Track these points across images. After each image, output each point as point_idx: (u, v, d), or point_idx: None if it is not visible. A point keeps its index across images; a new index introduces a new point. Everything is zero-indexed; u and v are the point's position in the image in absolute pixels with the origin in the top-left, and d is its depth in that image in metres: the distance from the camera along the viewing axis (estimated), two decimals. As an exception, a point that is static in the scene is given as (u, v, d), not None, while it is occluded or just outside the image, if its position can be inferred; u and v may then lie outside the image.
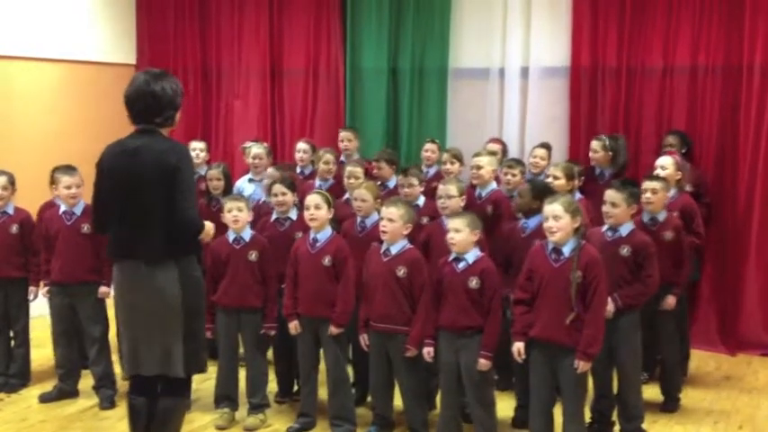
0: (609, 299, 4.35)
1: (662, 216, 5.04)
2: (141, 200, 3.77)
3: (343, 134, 6.72)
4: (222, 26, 8.04)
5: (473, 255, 4.38)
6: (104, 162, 3.88)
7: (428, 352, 4.48)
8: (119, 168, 3.81)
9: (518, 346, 4.24)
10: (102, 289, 5.14)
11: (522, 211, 4.91)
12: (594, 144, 6.16)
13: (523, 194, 4.90)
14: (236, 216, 4.85)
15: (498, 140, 6.65)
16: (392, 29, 7.38)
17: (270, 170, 5.81)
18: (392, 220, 4.53)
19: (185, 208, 3.75)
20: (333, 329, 4.64)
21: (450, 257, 4.42)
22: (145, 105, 3.81)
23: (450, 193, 4.92)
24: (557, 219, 4.14)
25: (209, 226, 3.99)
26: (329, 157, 6.14)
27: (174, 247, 3.80)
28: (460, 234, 4.35)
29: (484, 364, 4.31)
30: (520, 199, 4.93)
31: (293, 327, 4.78)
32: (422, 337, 4.49)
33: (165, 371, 3.85)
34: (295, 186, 5.27)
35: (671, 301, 5.04)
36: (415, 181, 5.39)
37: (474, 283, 4.32)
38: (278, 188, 5.13)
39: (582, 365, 4.09)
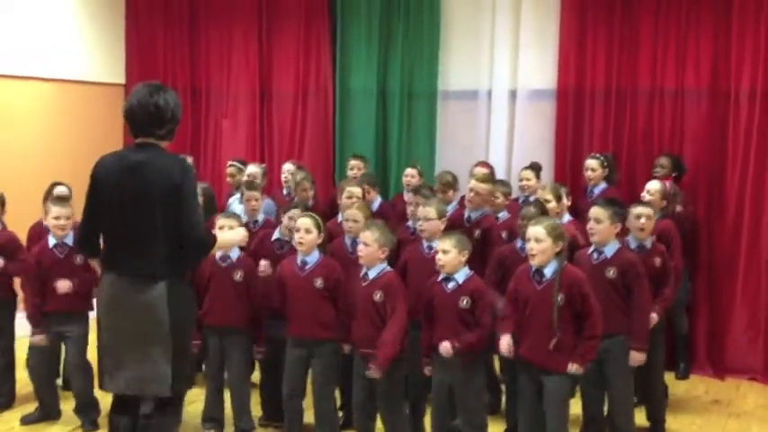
0: None
1: (648, 243, 5.01)
2: (142, 216, 3.65)
3: (353, 162, 6.64)
4: (212, 47, 8.03)
5: (463, 274, 4.36)
6: (101, 175, 3.75)
7: (429, 371, 4.47)
8: (119, 183, 3.68)
9: (506, 339, 4.25)
10: None
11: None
12: (593, 163, 6.20)
13: (531, 218, 4.69)
14: None
15: (485, 164, 6.58)
16: (381, 51, 7.38)
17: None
18: (367, 245, 4.47)
19: (192, 226, 3.65)
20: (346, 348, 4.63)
21: (440, 278, 4.40)
22: (148, 117, 3.70)
23: (428, 215, 4.81)
24: (538, 241, 4.14)
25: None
26: (306, 184, 6.04)
27: (171, 264, 3.69)
28: (448, 255, 4.33)
29: (445, 347, 4.24)
30: (526, 222, 4.75)
31: None
32: (389, 359, 4.33)
33: (153, 391, 3.74)
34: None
35: (654, 318, 4.99)
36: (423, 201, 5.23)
37: (465, 302, 4.30)
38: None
39: (576, 368, 4.12)
